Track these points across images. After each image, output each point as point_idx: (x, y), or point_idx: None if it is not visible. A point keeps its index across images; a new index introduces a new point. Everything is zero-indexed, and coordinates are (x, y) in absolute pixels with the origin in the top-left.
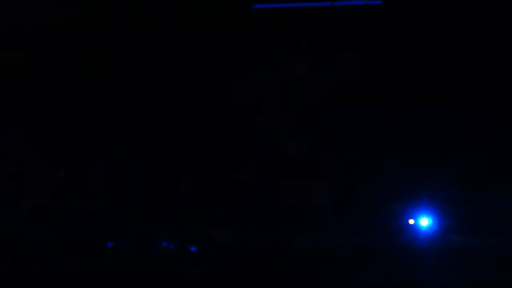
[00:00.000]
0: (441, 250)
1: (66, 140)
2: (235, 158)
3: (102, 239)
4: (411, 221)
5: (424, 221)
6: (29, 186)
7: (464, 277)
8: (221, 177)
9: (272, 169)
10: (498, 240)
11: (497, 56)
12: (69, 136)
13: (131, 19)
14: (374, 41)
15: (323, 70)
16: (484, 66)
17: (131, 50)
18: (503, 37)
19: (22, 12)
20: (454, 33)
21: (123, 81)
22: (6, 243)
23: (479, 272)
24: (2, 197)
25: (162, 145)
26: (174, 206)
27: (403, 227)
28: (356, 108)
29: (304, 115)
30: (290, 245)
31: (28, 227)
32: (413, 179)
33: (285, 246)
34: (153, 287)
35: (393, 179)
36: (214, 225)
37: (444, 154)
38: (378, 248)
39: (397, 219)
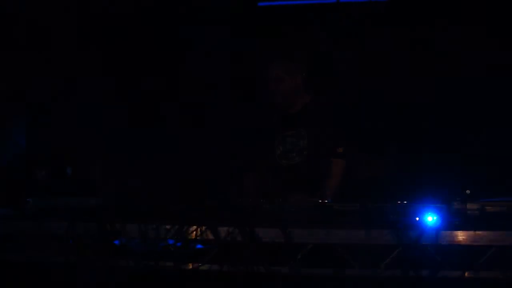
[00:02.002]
0: (446, 247)
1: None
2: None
3: (108, 237)
4: (417, 219)
5: (430, 218)
6: (34, 185)
7: (470, 275)
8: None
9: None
10: (503, 236)
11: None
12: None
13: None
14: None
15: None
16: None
17: (133, 51)
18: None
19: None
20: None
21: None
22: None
23: (485, 269)
24: (9, 196)
25: (166, 140)
26: (180, 204)
27: (409, 224)
28: (357, 106)
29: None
30: (296, 243)
31: (33, 225)
32: (418, 175)
33: (290, 244)
34: (158, 286)
35: (398, 176)
36: (221, 223)
37: (449, 150)
38: (383, 245)
39: (403, 216)
